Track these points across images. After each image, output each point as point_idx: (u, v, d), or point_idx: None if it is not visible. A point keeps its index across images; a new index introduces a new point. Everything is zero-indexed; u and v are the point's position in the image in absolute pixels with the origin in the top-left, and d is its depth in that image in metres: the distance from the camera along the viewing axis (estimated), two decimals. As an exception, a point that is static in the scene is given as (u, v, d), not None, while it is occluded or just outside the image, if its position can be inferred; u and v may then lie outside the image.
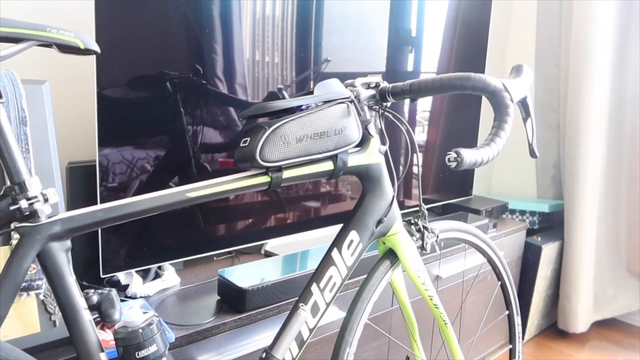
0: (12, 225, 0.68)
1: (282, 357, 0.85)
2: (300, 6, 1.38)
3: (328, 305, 0.90)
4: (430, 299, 1.03)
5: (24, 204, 0.66)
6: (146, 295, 1.12)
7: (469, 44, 1.99)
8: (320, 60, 1.47)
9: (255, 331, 1.09)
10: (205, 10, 1.19)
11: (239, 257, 1.40)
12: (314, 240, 1.52)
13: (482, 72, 2.07)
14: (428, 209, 2.05)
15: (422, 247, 1.03)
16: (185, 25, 1.16)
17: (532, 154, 0.94)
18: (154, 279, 1.17)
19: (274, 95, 1.39)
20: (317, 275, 0.91)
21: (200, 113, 1.23)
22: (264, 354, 0.85)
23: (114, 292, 0.97)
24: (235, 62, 1.28)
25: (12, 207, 0.66)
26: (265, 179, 0.83)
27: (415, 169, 1.89)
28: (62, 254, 0.70)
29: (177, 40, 1.16)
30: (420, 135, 1.87)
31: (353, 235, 0.93)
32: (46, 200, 0.68)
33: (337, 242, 0.93)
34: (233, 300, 1.09)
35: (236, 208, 1.32)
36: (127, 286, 1.11)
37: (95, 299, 0.95)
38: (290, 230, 1.45)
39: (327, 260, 0.92)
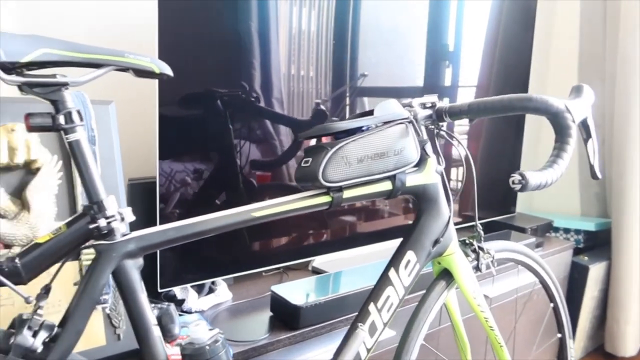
0: (90, 243, 0.70)
1: (342, 377, 0.85)
2: (338, 22, 1.40)
3: (385, 325, 0.90)
4: (486, 321, 1.02)
5: (102, 222, 0.68)
6: (201, 310, 1.14)
7: (511, 58, 1.97)
8: (356, 75, 1.48)
9: (307, 348, 1.09)
10: (257, 32, 1.22)
11: (287, 273, 1.41)
12: (360, 257, 1.52)
13: (526, 87, 2.05)
14: (470, 227, 2.02)
15: (477, 268, 1.02)
16: (237, 48, 1.20)
17: (594, 175, 0.92)
18: (208, 294, 1.19)
19: (321, 113, 1.41)
20: (374, 294, 0.91)
21: (250, 130, 1.25)
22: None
23: (172, 307, 0.98)
24: (280, 79, 1.30)
25: (91, 226, 0.69)
26: (326, 198, 0.84)
27: (458, 186, 1.88)
28: (135, 271, 0.72)
29: (229, 61, 1.19)
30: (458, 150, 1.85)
31: (410, 255, 0.93)
32: (122, 219, 0.71)
33: (394, 262, 0.93)
34: (286, 317, 1.10)
35: (285, 225, 1.33)
36: (182, 301, 1.13)
37: (155, 313, 0.97)
38: (338, 247, 1.45)
39: (384, 280, 0.92)
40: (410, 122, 0.91)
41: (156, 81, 1.08)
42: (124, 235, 0.71)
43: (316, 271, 1.43)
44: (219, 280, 1.24)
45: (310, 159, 0.83)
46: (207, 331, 0.76)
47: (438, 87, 1.72)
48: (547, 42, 2.48)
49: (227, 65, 1.19)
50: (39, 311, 0.67)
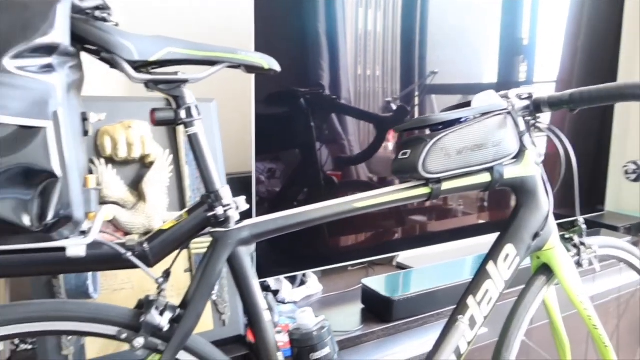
0: (207, 230, 0.74)
1: (443, 368, 0.85)
2: (410, 19, 1.39)
3: (485, 319, 0.89)
4: (589, 319, 0.98)
5: (219, 210, 0.72)
6: (294, 301, 1.17)
7: (596, 50, 1.87)
8: (425, 74, 1.47)
9: (400, 341, 1.09)
10: (337, 34, 1.24)
11: (373, 267, 1.42)
12: (444, 254, 1.50)
13: (615, 78, 1.94)
14: (557, 225, 1.94)
15: (578, 263, 0.99)
16: (322, 49, 1.23)
17: None
18: (299, 285, 1.23)
19: (403, 109, 1.41)
20: (472, 287, 0.90)
21: (334, 127, 1.27)
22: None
23: (271, 296, 1.03)
24: (356, 78, 1.31)
25: (209, 214, 0.73)
26: (425, 190, 0.84)
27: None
28: (247, 257, 0.76)
29: (316, 62, 1.23)
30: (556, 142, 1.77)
31: (509, 248, 0.91)
32: (237, 207, 0.75)
33: (493, 255, 0.92)
34: (379, 310, 1.11)
35: (371, 221, 1.35)
36: (276, 292, 1.17)
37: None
38: (422, 243, 1.44)
39: (482, 273, 0.91)
40: (509, 113, 0.89)
41: (251, 79, 1.13)
42: (238, 223, 0.75)
43: (400, 266, 1.44)
44: (309, 273, 1.27)
45: (409, 151, 0.84)
46: (314, 318, 0.79)
47: (512, 83, 1.66)
48: (636, 32, 2.34)
49: (313, 65, 1.23)
50: (162, 293, 0.72)
